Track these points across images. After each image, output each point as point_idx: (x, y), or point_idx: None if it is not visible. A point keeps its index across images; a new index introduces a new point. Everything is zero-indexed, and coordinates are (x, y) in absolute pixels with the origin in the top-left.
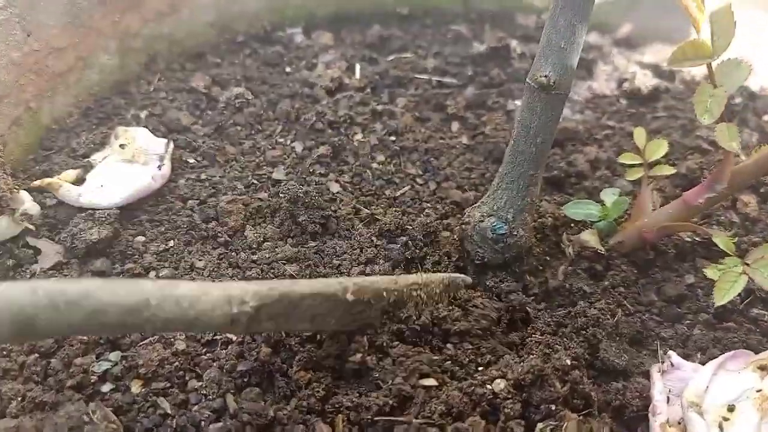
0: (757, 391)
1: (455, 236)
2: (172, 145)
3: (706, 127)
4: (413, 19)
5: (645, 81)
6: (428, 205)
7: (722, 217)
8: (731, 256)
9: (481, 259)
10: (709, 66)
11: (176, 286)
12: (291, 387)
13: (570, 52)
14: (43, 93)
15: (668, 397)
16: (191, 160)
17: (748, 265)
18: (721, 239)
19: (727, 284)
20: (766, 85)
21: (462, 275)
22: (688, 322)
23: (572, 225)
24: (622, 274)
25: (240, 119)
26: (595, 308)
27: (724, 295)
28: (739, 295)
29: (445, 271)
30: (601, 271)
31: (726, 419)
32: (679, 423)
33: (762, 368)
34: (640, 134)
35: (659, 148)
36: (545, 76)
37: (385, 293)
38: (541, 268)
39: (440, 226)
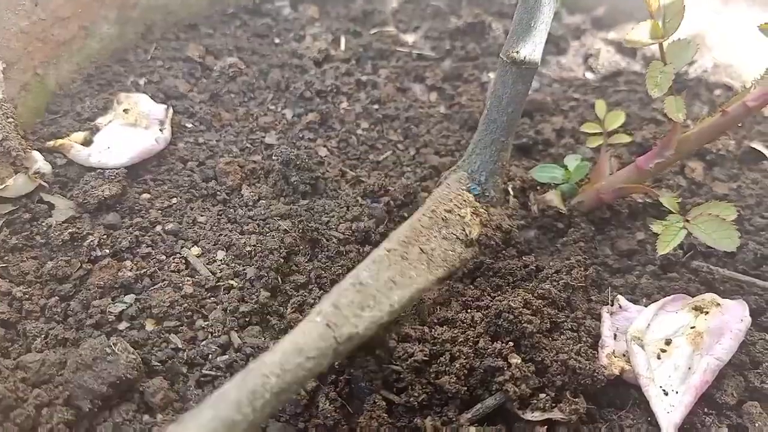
0: (691, 328)
1: None
2: (171, 110)
3: (660, 101)
4: None
5: (609, 57)
6: (408, 168)
7: (671, 182)
8: (674, 213)
9: None
10: (661, 45)
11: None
12: (286, 326)
13: (540, 31)
14: (49, 60)
15: (615, 335)
16: (189, 125)
17: (688, 221)
18: (667, 199)
19: (669, 237)
20: (719, 62)
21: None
22: (637, 272)
23: (538, 188)
24: (581, 230)
25: (234, 87)
26: (556, 260)
27: (665, 246)
28: (682, 249)
29: None
30: (562, 229)
31: (663, 351)
32: (624, 355)
33: (697, 309)
34: (600, 106)
35: (617, 119)
36: (517, 52)
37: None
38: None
39: (419, 188)
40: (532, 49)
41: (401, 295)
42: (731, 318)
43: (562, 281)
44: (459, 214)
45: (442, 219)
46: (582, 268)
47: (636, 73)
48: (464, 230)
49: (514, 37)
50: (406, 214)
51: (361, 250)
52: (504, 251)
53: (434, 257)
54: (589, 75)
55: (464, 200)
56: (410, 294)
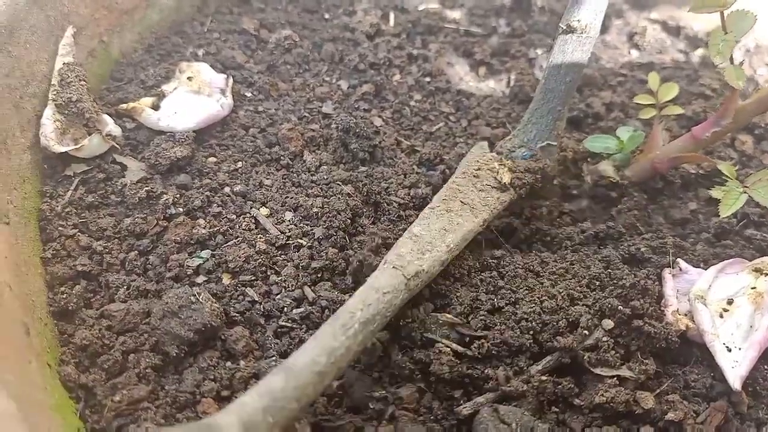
0: (752, 288)
1: None
2: (231, 79)
3: (708, 77)
4: None
5: (654, 35)
6: (461, 139)
7: (722, 154)
8: (733, 180)
9: None
10: (722, 14)
11: None
12: (356, 281)
13: None
14: (113, 28)
15: (677, 296)
16: (248, 94)
17: (747, 187)
18: (725, 166)
19: (731, 200)
20: (761, 43)
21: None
22: (692, 240)
23: (589, 159)
24: (635, 199)
25: (289, 59)
26: (612, 228)
27: (727, 209)
28: (736, 217)
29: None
30: (616, 198)
31: (726, 310)
32: (686, 315)
33: (757, 270)
34: (654, 79)
35: (670, 91)
36: (578, 20)
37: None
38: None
39: None
40: (592, 17)
41: (454, 238)
42: None
43: (622, 246)
44: (488, 169)
45: (474, 176)
46: (638, 235)
47: (681, 51)
48: (496, 178)
49: (573, 4)
50: None
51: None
52: (558, 219)
53: (475, 205)
54: (635, 53)
55: (489, 158)
56: (462, 235)
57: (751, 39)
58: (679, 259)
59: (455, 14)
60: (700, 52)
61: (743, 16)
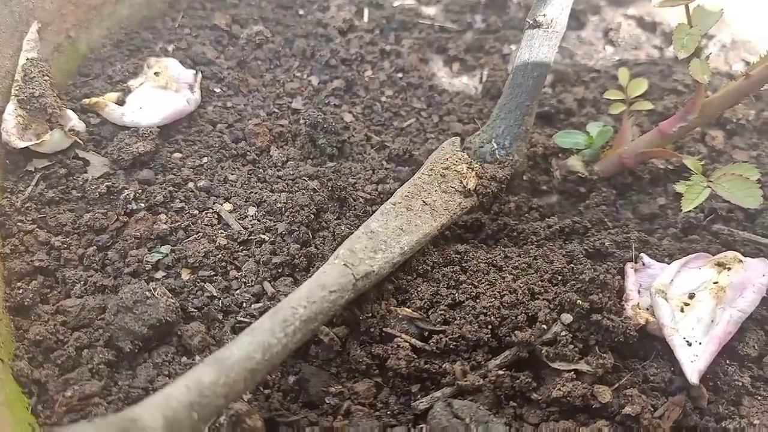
0: (714, 283)
1: None
2: (200, 75)
3: (682, 73)
4: None
5: (629, 31)
6: (432, 135)
7: (692, 149)
8: (698, 174)
9: None
10: (687, 8)
11: None
12: None
13: None
14: (80, 23)
15: (639, 290)
16: (217, 90)
17: (712, 181)
18: (691, 161)
19: (693, 195)
20: (738, 38)
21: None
22: (659, 235)
23: (560, 155)
24: (603, 194)
25: (260, 54)
26: (578, 223)
27: (690, 203)
28: (703, 212)
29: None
30: (584, 193)
31: (687, 304)
32: (648, 309)
33: (719, 265)
34: (623, 74)
35: (639, 86)
36: (543, 15)
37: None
38: (528, 187)
39: None
40: (558, 12)
41: (409, 240)
42: (753, 273)
43: (587, 241)
44: (455, 170)
45: (441, 175)
46: (605, 230)
47: (656, 47)
48: (461, 182)
49: (541, 1)
50: None
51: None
52: (527, 214)
53: (436, 207)
54: (610, 48)
55: (459, 158)
56: (417, 239)
57: (727, 34)
58: (642, 254)
59: (431, 10)
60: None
61: (709, 11)
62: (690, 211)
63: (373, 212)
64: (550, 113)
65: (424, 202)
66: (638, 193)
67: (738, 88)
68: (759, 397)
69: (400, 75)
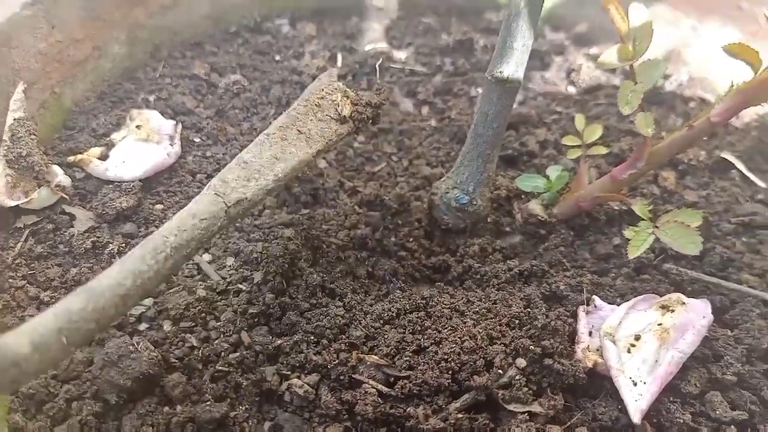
0: (658, 325)
1: (425, 205)
2: (180, 126)
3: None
4: (388, 11)
5: (589, 72)
6: (402, 179)
7: (645, 190)
8: (645, 220)
9: (446, 224)
10: (631, 66)
11: None
12: (292, 324)
13: (522, 52)
14: (65, 79)
15: (591, 332)
16: (197, 140)
17: (657, 227)
18: (638, 207)
19: (639, 241)
20: (695, 76)
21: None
22: (613, 275)
23: (522, 197)
24: (562, 236)
25: (238, 103)
26: (536, 266)
27: (635, 250)
28: (654, 252)
29: (417, 236)
30: (544, 234)
31: (633, 346)
32: (597, 350)
33: (664, 307)
34: (580, 120)
35: (594, 132)
36: (501, 72)
37: None
38: (492, 229)
39: (412, 197)
40: (514, 68)
41: (284, 167)
42: (695, 315)
43: (544, 284)
44: (331, 99)
45: (316, 105)
46: (563, 271)
47: (615, 87)
48: (336, 110)
49: (498, 57)
50: (400, 222)
51: (358, 256)
52: (491, 255)
53: (312, 135)
54: (571, 89)
55: (335, 88)
56: (293, 165)
57: (684, 72)
58: (594, 297)
59: (402, 54)
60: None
61: (654, 66)
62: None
63: (346, 258)
64: (513, 156)
65: (299, 131)
66: (595, 234)
67: (682, 137)
68: None
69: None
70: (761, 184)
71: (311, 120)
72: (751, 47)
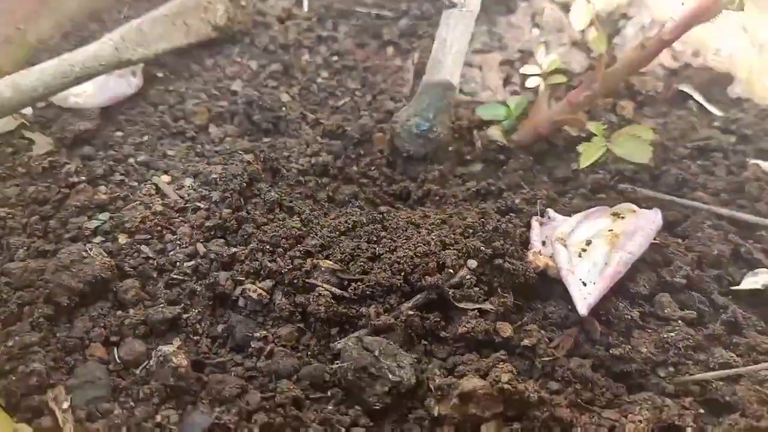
0: (609, 230)
1: (388, 136)
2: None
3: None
4: None
5: (552, 15)
6: (366, 113)
7: (603, 118)
8: (598, 136)
9: (408, 152)
10: None
11: None
12: (248, 235)
13: None
14: (29, 16)
15: (544, 241)
16: (160, 75)
17: (610, 141)
18: (594, 125)
19: (591, 153)
20: (657, 18)
21: None
22: (570, 195)
23: (484, 127)
24: (521, 161)
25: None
26: (493, 185)
27: (587, 159)
28: (610, 173)
29: (379, 165)
30: (504, 160)
31: (584, 250)
32: (550, 257)
33: (615, 215)
34: (540, 49)
35: (554, 62)
36: None
37: None
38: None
39: (375, 129)
40: None
41: (164, 47)
42: (644, 221)
43: (500, 201)
44: (215, 7)
45: (204, 7)
46: (519, 190)
47: (581, 31)
48: (216, 18)
49: None
50: (362, 152)
51: (319, 181)
52: (450, 181)
53: (191, 30)
54: (536, 31)
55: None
56: (171, 47)
57: (646, 15)
58: (549, 209)
59: None
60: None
61: None
62: (589, 166)
63: (306, 182)
64: (477, 90)
65: (185, 22)
66: (554, 159)
67: (635, 58)
68: (648, 330)
69: (335, 58)
70: (717, 112)
71: (196, 17)
72: None
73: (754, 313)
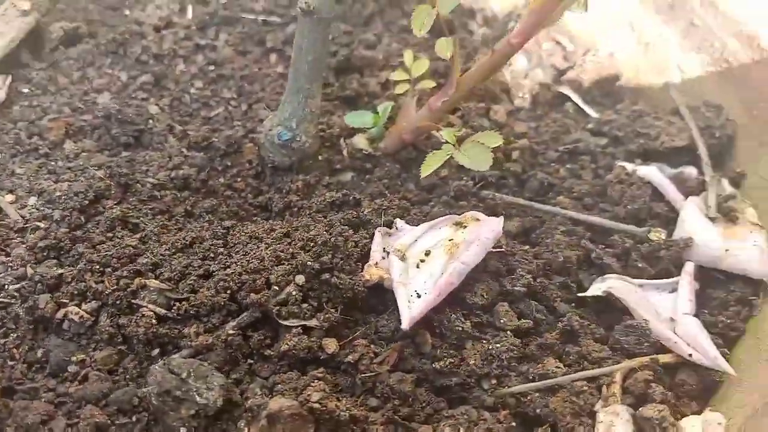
0: (449, 240)
1: (256, 146)
2: (9, 78)
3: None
4: None
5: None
6: (239, 123)
7: (476, 123)
8: (449, 143)
9: (273, 162)
10: None
11: None
12: (80, 256)
13: None
14: None
15: (389, 253)
16: (25, 90)
17: (457, 149)
18: (446, 132)
19: (433, 161)
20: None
21: None
22: (433, 203)
23: (356, 135)
24: (386, 169)
25: (72, 53)
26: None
27: (427, 169)
28: (474, 179)
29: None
30: (369, 168)
31: (423, 261)
32: (387, 269)
33: (457, 224)
34: (408, 55)
35: (422, 66)
36: (306, 3)
37: None
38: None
39: (245, 140)
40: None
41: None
42: (485, 230)
43: (352, 212)
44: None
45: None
46: (379, 201)
47: (468, 30)
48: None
49: None
50: (230, 163)
51: (178, 195)
52: (316, 191)
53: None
54: (426, 33)
55: None
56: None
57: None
58: (397, 219)
59: (258, 5)
60: (482, 30)
61: None
62: (454, 172)
63: (162, 197)
64: (353, 96)
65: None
66: (421, 166)
67: (486, 62)
68: (483, 341)
69: (212, 68)
70: (594, 114)
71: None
72: None
73: (597, 320)
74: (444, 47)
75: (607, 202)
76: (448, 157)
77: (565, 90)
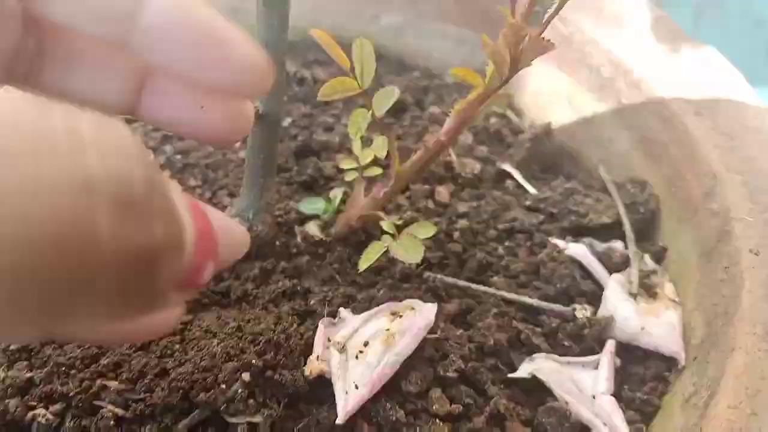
0: (386, 330)
1: None
2: None
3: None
4: None
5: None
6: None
7: (421, 205)
8: (387, 234)
9: None
10: (364, 94)
11: None
12: (45, 359)
13: (278, 91)
14: None
15: (328, 344)
16: None
17: (395, 241)
18: (386, 223)
19: (370, 254)
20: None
21: None
22: (379, 286)
23: (312, 220)
24: (337, 253)
25: None
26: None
27: (364, 263)
28: (418, 264)
29: None
30: (322, 253)
31: (361, 352)
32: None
33: (393, 314)
34: (357, 144)
35: (369, 154)
36: (256, 107)
37: None
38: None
39: None
40: (270, 104)
41: None
42: (419, 319)
43: (300, 302)
44: None
45: None
46: (329, 288)
47: (422, 109)
48: None
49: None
50: None
51: None
52: (272, 277)
53: None
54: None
55: None
56: None
57: None
58: (341, 309)
59: None
60: (432, 109)
61: (386, 94)
62: (368, 268)
63: None
64: (309, 182)
65: None
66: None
67: (420, 157)
68: (417, 428)
69: (179, 157)
70: (532, 190)
71: None
72: (474, 71)
73: (525, 401)
74: (381, 147)
75: (541, 280)
76: (384, 249)
77: (507, 167)
